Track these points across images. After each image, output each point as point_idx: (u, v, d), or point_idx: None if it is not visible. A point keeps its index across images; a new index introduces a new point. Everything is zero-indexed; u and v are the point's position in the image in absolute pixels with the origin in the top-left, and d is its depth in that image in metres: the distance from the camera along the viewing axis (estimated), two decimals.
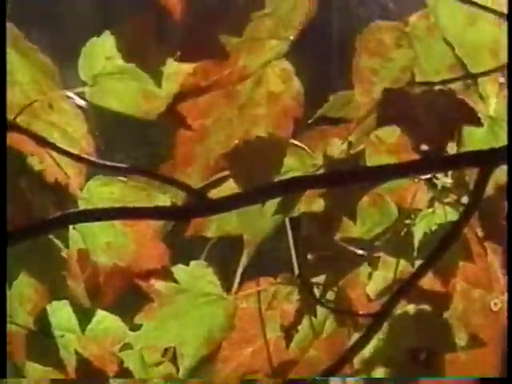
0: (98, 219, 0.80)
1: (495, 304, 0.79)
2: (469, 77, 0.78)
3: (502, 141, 0.76)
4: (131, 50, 0.80)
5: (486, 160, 0.71)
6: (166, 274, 0.85)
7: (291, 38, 0.78)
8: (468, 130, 0.77)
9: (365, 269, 0.80)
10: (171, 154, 0.83)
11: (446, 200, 0.79)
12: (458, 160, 0.75)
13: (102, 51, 0.81)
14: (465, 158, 0.75)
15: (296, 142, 0.82)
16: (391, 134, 0.78)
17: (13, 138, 0.80)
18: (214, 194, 0.81)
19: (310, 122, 0.82)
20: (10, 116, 0.78)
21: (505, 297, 0.78)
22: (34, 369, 0.89)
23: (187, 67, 0.79)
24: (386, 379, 0.81)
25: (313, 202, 0.80)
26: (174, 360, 0.87)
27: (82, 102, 0.82)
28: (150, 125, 0.86)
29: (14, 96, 0.81)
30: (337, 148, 0.79)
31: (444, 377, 0.81)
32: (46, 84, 0.81)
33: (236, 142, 0.83)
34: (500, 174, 0.75)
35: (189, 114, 0.82)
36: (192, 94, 0.80)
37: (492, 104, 0.78)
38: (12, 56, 0.79)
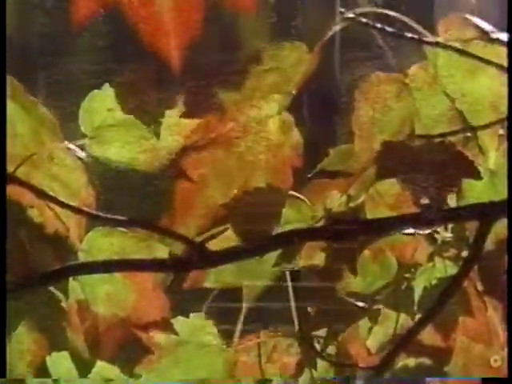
0: (98, 272, 0.80)
1: (495, 360, 0.78)
2: (468, 129, 0.78)
3: (502, 194, 0.76)
4: (130, 102, 0.81)
5: (485, 213, 0.71)
6: (165, 326, 0.85)
7: (293, 92, 0.79)
8: (468, 183, 0.77)
9: (365, 322, 0.79)
10: (171, 205, 0.83)
11: (446, 254, 0.79)
12: (458, 213, 0.75)
13: (102, 104, 0.82)
14: (465, 211, 0.74)
15: (296, 194, 0.82)
16: (391, 187, 0.77)
17: (12, 190, 0.80)
18: (214, 244, 0.81)
19: (309, 176, 0.83)
20: (10, 168, 0.79)
21: (505, 352, 0.77)
22: None
23: (189, 123, 0.79)
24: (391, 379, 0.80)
25: (313, 255, 0.80)
26: None
27: (82, 154, 0.82)
28: (150, 176, 0.86)
29: (14, 148, 0.81)
30: (336, 201, 0.79)
31: (446, 377, 0.81)
32: (46, 136, 0.82)
33: (235, 191, 0.83)
34: (500, 228, 0.74)
35: (188, 164, 0.82)
36: (194, 149, 0.80)
37: (492, 157, 0.78)
38: (12, 108, 0.80)
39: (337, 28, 0.78)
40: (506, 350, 0.78)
